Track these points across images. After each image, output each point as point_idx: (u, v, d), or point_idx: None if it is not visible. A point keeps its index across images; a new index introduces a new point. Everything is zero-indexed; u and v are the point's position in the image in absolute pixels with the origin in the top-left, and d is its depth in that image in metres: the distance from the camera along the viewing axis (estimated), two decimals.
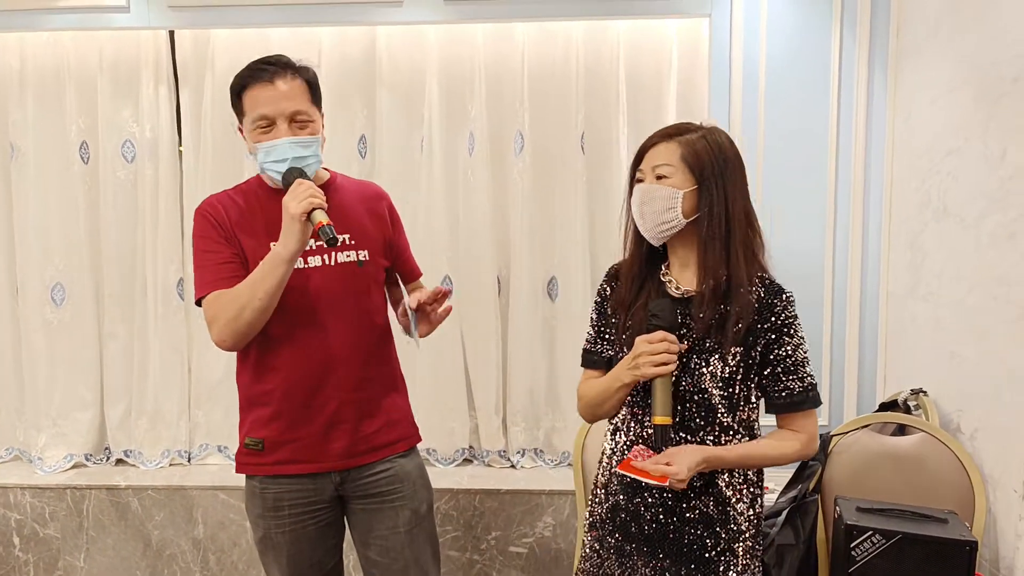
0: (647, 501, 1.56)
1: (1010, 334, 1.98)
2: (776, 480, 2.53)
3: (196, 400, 3.03)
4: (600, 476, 1.67)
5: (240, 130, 1.81)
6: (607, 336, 1.65)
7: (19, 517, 2.84)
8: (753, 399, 1.55)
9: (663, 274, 1.58)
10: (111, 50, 2.90)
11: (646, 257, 1.59)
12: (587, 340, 1.69)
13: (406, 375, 2.91)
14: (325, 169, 1.88)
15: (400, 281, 1.97)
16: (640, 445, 1.56)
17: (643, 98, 2.86)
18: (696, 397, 1.51)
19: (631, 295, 1.58)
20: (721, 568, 1.53)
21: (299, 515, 1.81)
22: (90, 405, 3.01)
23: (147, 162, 2.93)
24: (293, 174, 1.68)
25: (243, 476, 1.86)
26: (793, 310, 1.53)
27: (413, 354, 2.91)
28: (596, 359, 1.67)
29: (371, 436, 1.83)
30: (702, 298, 1.50)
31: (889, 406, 2.42)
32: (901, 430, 2.23)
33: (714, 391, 1.50)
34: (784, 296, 1.53)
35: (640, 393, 1.57)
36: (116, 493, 2.83)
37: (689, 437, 1.52)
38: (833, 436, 2.22)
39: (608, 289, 1.66)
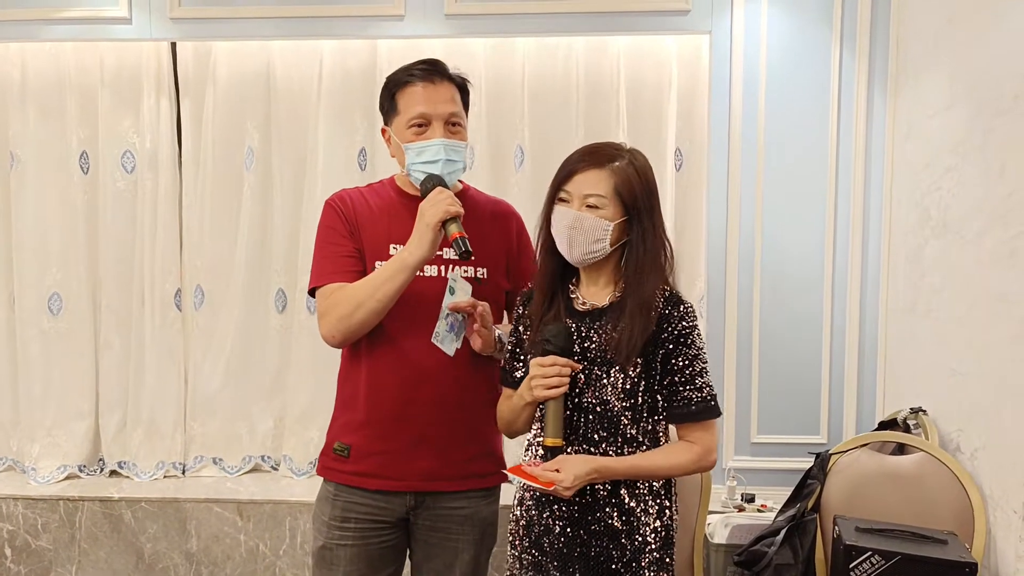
0: (555, 514, 1.57)
1: (1010, 352, 1.96)
2: (774, 498, 2.51)
3: (192, 412, 3.02)
4: (516, 493, 1.68)
5: (383, 132, 1.80)
6: (521, 356, 1.67)
7: (11, 528, 2.82)
8: (659, 409, 1.57)
9: (571, 289, 1.61)
10: (112, 61, 2.90)
11: (560, 274, 1.62)
12: (504, 359, 1.71)
13: None
14: (459, 181, 1.84)
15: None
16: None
17: (643, 114, 2.86)
18: (598, 409, 1.54)
19: (542, 309, 1.60)
20: None
21: (365, 531, 1.75)
22: (85, 415, 3.00)
23: (147, 173, 2.93)
24: (432, 181, 1.67)
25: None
26: (692, 321, 1.55)
27: None
28: (509, 379, 1.68)
29: (459, 463, 1.75)
30: (611, 313, 1.53)
31: (888, 424, 2.40)
32: (901, 449, 2.21)
33: (616, 403, 1.53)
34: (682, 308, 1.55)
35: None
36: (109, 505, 2.80)
37: (592, 449, 1.54)
38: (832, 455, 2.20)
39: (521, 310, 1.68)
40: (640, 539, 1.54)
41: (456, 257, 1.66)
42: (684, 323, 1.54)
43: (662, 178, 2.85)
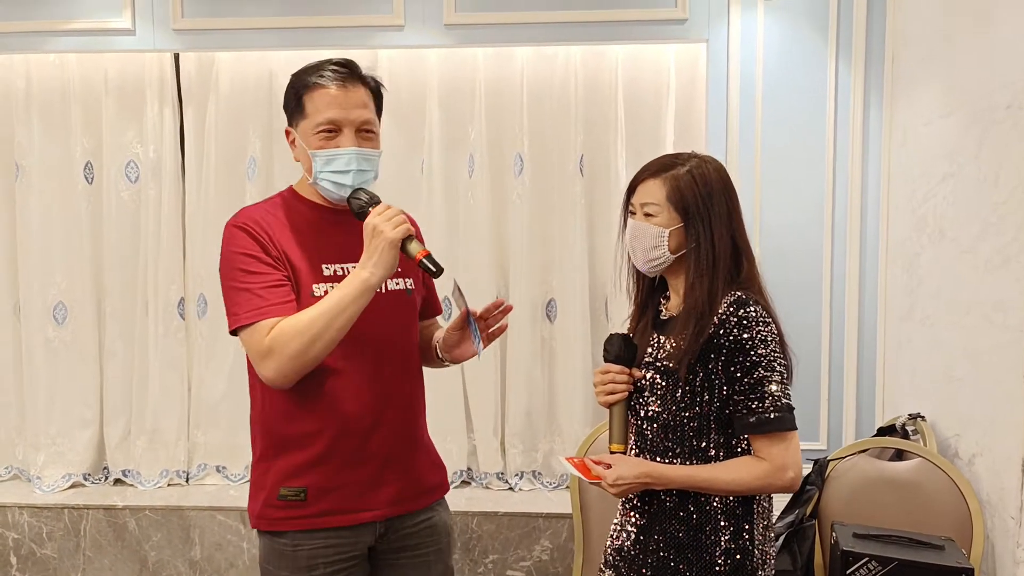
0: (630, 519, 1.57)
1: (1007, 358, 1.97)
2: (774, 505, 2.52)
3: (195, 420, 3.04)
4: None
5: (288, 133, 1.68)
6: None
7: (16, 536, 2.84)
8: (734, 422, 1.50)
9: (661, 302, 1.63)
10: (116, 72, 2.93)
11: (651, 286, 1.64)
12: None
13: None
14: None
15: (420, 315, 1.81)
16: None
17: (642, 121, 2.88)
18: (663, 417, 1.52)
19: (636, 322, 1.64)
20: None
21: (335, 573, 1.60)
22: (89, 424, 3.02)
23: (150, 182, 2.95)
24: (363, 194, 1.57)
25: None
26: (753, 326, 1.45)
27: None
28: None
29: (421, 478, 1.69)
30: (675, 323, 1.53)
31: (887, 431, 2.41)
32: (899, 455, 2.22)
33: (680, 412, 1.50)
34: (742, 312, 1.46)
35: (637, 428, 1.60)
36: (114, 513, 2.82)
37: (660, 458, 1.52)
38: (830, 461, 2.21)
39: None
40: (708, 558, 1.47)
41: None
42: (741, 329, 1.45)
43: None
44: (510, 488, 2.96)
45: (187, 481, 3.03)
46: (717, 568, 1.47)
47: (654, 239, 1.52)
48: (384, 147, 2.88)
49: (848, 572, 1.85)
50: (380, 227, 1.50)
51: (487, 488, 2.97)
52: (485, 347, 1.69)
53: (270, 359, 1.50)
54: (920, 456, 2.16)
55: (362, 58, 2.84)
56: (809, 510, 2.15)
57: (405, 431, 1.66)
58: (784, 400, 1.46)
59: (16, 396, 3.05)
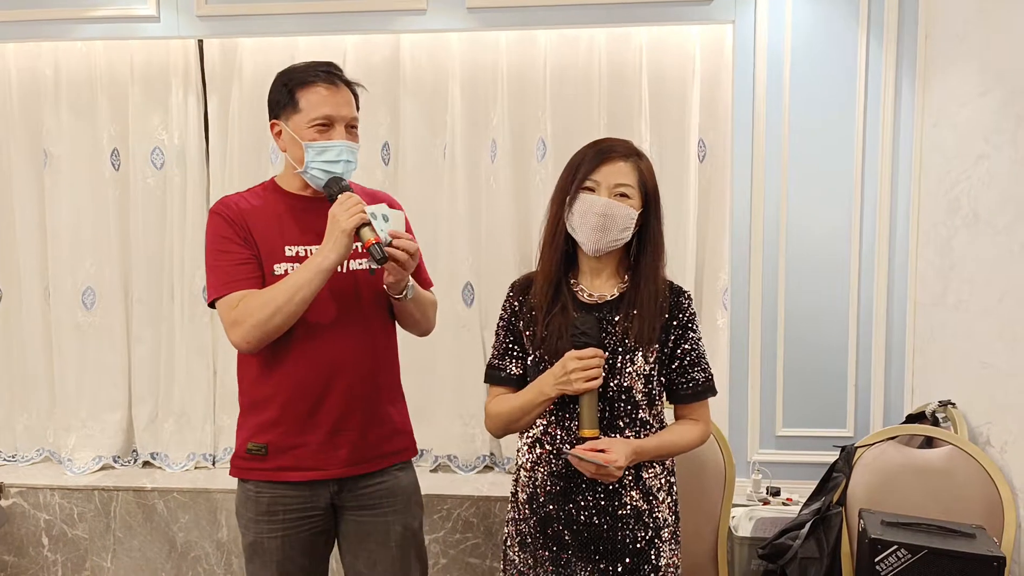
0: (579, 505, 1.59)
1: None
2: (800, 491, 2.50)
3: (221, 403, 3.07)
4: (521, 492, 1.69)
5: (274, 125, 1.81)
6: (515, 353, 1.68)
7: (48, 517, 2.89)
8: (664, 393, 1.67)
9: (572, 282, 1.64)
10: (141, 59, 2.95)
11: (561, 267, 1.64)
12: (493, 356, 1.71)
13: (428, 382, 2.94)
14: None
15: None
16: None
17: (666, 105, 2.84)
18: (623, 396, 1.59)
19: (547, 301, 1.61)
20: (652, 554, 1.61)
21: (293, 520, 1.79)
22: (118, 407, 3.06)
23: (175, 169, 2.98)
24: (336, 185, 1.73)
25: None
26: (690, 308, 1.66)
27: (435, 361, 2.92)
28: (504, 376, 1.68)
29: (375, 444, 1.83)
30: (624, 302, 1.59)
31: (917, 418, 2.37)
32: (928, 443, 2.19)
33: (636, 389, 1.58)
34: (686, 294, 1.66)
35: (561, 403, 1.59)
36: (143, 495, 2.87)
37: (614, 435, 1.59)
38: (858, 448, 2.19)
39: (517, 304, 1.68)
40: (660, 516, 1.63)
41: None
42: (691, 309, 1.66)
43: (686, 169, 2.83)
44: None
45: (213, 464, 3.07)
46: (667, 521, 1.65)
47: (626, 220, 1.56)
48: (406, 132, 2.93)
49: (876, 560, 1.83)
50: (336, 215, 1.67)
51: (509, 473, 2.97)
52: (386, 274, 1.73)
53: (236, 328, 1.71)
54: (950, 444, 2.12)
55: (385, 42, 2.88)
56: (836, 497, 2.13)
57: (357, 401, 1.79)
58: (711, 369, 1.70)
59: (47, 379, 3.10)
